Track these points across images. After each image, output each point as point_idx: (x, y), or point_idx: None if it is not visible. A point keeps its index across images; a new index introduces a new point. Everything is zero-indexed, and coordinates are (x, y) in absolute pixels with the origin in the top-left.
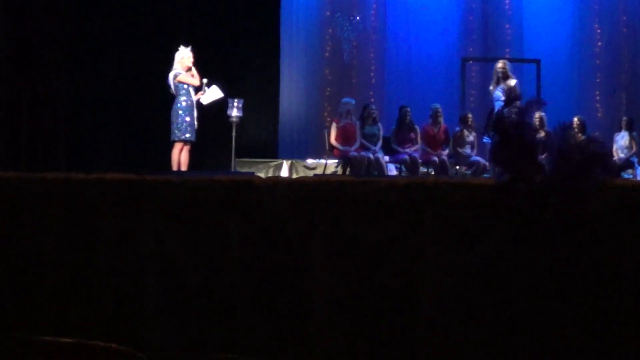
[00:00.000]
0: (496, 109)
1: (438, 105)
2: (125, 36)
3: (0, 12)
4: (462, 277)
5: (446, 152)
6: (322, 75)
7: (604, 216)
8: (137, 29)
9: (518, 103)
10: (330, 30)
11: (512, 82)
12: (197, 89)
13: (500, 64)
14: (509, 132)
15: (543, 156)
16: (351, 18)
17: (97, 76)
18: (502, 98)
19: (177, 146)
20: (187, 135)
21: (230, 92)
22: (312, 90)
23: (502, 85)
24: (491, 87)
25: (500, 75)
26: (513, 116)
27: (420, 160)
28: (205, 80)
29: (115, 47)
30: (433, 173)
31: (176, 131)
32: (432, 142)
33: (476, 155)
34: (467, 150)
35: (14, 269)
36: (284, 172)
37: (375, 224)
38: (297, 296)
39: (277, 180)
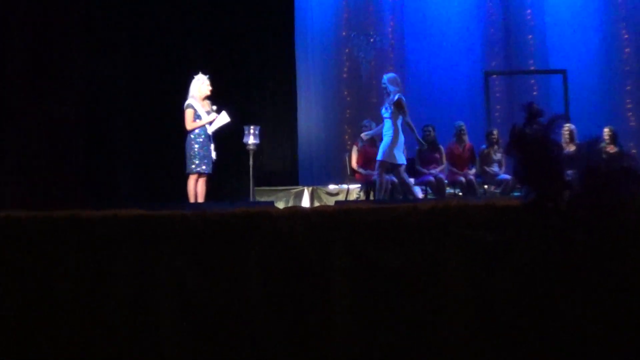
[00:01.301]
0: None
1: (462, 123)
2: (139, 63)
3: (17, 41)
4: (489, 302)
5: (473, 171)
6: (340, 97)
7: (637, 233)
8: (151, 57)
9: (540, 119)
10: (347, 51)
11: None
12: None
13: None
14: (531, 150)
15: (572, 172)
16: (368, 37)
17: (113, 107)
18: None
19: (192, 178)
20: (203, 167)
21: (245, 119)
22: (330, 113)
23: None
24: None
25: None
26: (536, 133)
27: (446, 181)
28: (214, 107)
29: (130, 75)
30: (460, 194)
31: (191, 164)
32: (457, 162)
33: (504, 173)
34: (495, 168)
35: (25, 308)
36: (305, 200)
37: (398, 249)
38: (318, 326)
39: (294, 211)
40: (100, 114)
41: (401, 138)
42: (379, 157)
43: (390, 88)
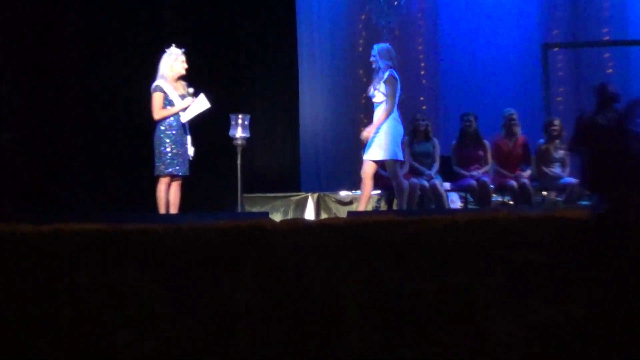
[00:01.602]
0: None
1: (513, 111)
2: (88, 34)
3: None
4: (542, 340)
5: (527, 173)
6: (354, 77)
7: None
8: (106, 25)
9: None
10: (363, 17)
11: None
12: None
13: None
14: (604, 145)
15: None
16: (391, 0)
17: (57, 91)
18: None
19: (163, 182)
20: (177, 168)
21: (232, 106)
22: (342, 98)
23: None
24: None
25: None
26: (610, 123)
27: (492, 186)
28: (190, 90)
29: (78, 49)
30: (511, 202)
31: (160, 164)
32: (507, 161)
33: (569, 175)
34: (556, 169)
35: None
36: (309, 211)
37: (428, 275)
38: None
39: (295, 224)
40: (41, 101)
41: (400, 127)
42: (382, 156)
43: (381, 63)
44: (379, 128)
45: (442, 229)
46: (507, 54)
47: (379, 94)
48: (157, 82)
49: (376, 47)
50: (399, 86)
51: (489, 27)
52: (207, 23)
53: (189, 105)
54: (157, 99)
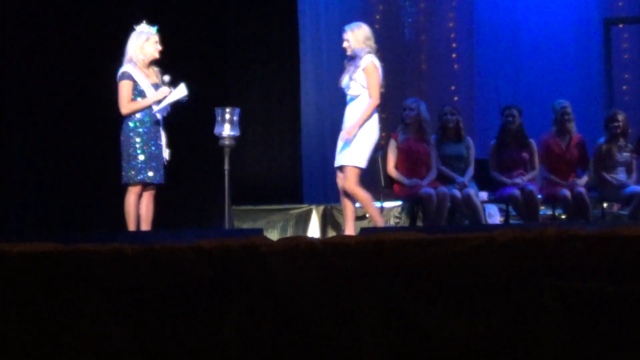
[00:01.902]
0: None
1: (566, 103)
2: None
3: None
4: None
5: (584, 179)
6: None
7: None
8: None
9: None
10: None
11: None
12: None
13: None
14: None
15: None
16: None
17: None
18: None
19: (133, 191)
20: (149, 174)
21: (218, 98)
22: None
23: None
24: None
25: None
26: None
27: (539, 196)
28: (166, 78)
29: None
30: (563, 217)
31: (128, 170)
32: (558, 165)
33: (636, 183)
34: (620, 175)
35: None
36: (313, 227)
37: (461, 306)
38: None
39: (296, 245)
40: None
41: (378, 130)
42: (363, 163)
43: (358, 47)
44: (359, 132)
45: (478, 251)
46: (558, 32)
47: (355, 85)
48: (124, 67)
49: (348, 28)
50: (381, 76)
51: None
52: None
53: (165, 97)
54: (124, 88)
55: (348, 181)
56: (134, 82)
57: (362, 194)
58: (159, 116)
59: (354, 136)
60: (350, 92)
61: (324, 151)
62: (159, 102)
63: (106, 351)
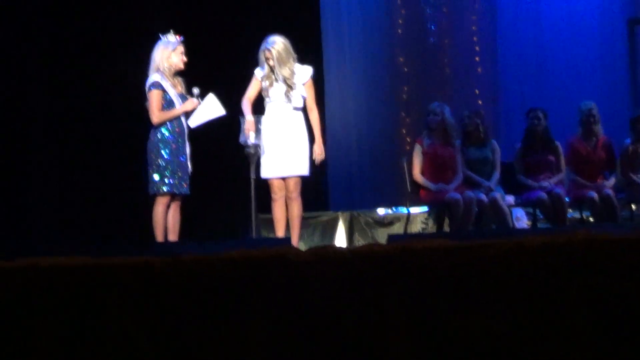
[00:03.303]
0: None
1: (592, 105)
2: (62, 19)
3: None
4: None
5: (612, 182)
6: (393, 66)
7: None
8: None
9: None
10: None
11: None
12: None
13: None
14: None
15: None
16: None
17: (26, 93)
18: None
19: (161, 202)
20: (177, 184)
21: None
22: (378, 93)
23: None
24: None
25: None
26: None
27: (567, 199)
28: (195, 91)
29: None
30: (591, 219)
31: (158, 180)
32: (585, 167)
33: None
34: None
35: None
36: (340, 235)
37: (492, 314)
38: None
39: (325, 254)
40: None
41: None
42: (307, 171)
43: (282, 61)
44: (300, 137)
45: (506, 256)
46: (582, 32)
47: (297, 96)
48: (153, 77)
49: (269, 45)
50: None
51: (559, 0)
52: (208, 6)
53: (194, 108)
54: (155, 97)
55: (297, 190)
56: (164, 91)
57: (299, 203)
58: (193, 127)
59: (295, 145)
60: (293, 104)
61: (350, 158)
62: (187, 113)
63: None
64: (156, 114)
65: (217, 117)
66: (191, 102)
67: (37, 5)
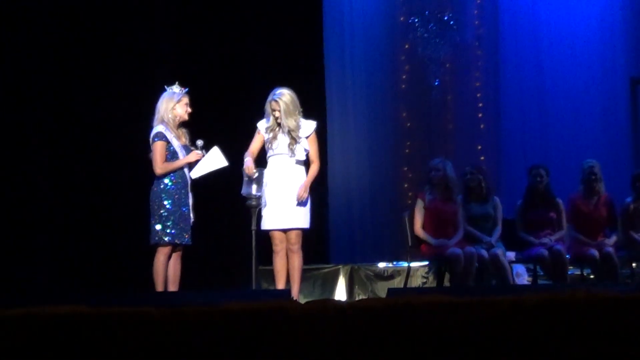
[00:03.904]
0: None
1: (594, 163)
2: (64, 61)
3: None
4: None
5: (613, 239)
6: (396, 121)
7: None
8: (85, 53)
9: None
10: (407, 47)
11: None
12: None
13: None
14: None
15: None
16: (442, 24)
17: (31, 145)
18: None
19: (162, 252)
20: (179, 235)
21: (242, 157)
22: (380, 147)
23: None
24: None
25: None
26: None
27: (568, 256)
28: (200, 143)
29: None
30: (592, 277)
31: (160, 230)
32: (587, 225)
33: None
34: None
35: None
36: (340, 287)
37: None
38: None
39: (325, 307)
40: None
41: None
42: (307, 224)
43: (288, 114)
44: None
45: (506, 313)
46: (585, 90)
47: (300, 150)
48: (158, 128)
49: (276, 97)
50: None
51: (562, 58)
52: (210, 57)
53: (198, 160)
54: (159, 149)
55: (298, 243)
56: (167, 142)
57: (299, 256)
58: (194, 177)
59: (306, 199)
60: (296, 157)
61: (351, 211)
62: (191, 164)
63: None
64: (160, 165)
65: (220, 169)
66: (195, 154)
67: (46, 53)
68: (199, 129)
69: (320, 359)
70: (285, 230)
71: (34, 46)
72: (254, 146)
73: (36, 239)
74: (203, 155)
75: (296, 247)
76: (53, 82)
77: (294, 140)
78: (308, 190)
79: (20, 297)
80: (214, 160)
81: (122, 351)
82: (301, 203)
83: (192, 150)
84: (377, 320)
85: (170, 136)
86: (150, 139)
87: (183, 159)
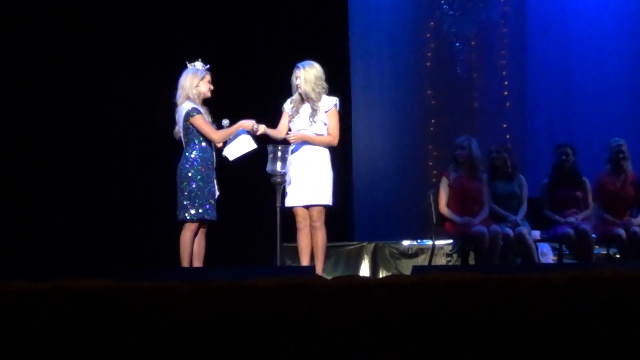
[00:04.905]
0: None
1: (622, 141)
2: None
3: None
4: None
5: (639, 219)
6: (421, 99)
7: None
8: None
9: None
10: (432, 24)
11: None
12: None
13: None
14: None
15: None
16: (466, 4)
17: (60, 124)
18: None
19: (189, 228)
20: (207, 211)
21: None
22: (405, 126)
23: None
24: None
25: None
26: None
27: (594, 236)
28: (225, 122)
29: (83, 73)
30: (618, 256)
31: (188, 206)
32: (613, 204)
33: None
34: None
35: None
36: (364, 265)
37: (513, 349)
38: None
39: (351, 283)
40: (33, 128)
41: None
42: (330, 200)
43: (306, 88)
44: (324, 167)
45: (532, 292)
46: (613, 67)
47: (320, 122)
48: (187, 104)
49: (301, 66)
50: None
51: (589, 36)
52: (237, 37)
53: (243, 129)
54: (202, 122)
55: (320, 220)
56: (203, 115)
57: (323, 232)
58: (231, 159)
59: (319, 177)
60: (315, 130)
61: (376, 189)
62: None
63: None
64: (216, 134)
65: (250, 152)
66: (246, 123)
67: (67, 35)
68: (223, 108)
69: (345, 335)
70: (307, 207)
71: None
72: (281, 124)
73: (66, 216)
74: (254, 127)
75: (318, 224)
76: (76, 56)
77: (314, 111)
78: (299, 138)
79: (49, 272)
80: (244, 141)
81: (148, 325)
82: (322, 180)
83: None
84: (403, 297)
85: (202, 111)
86: (182, 116)
87: (238, 123)
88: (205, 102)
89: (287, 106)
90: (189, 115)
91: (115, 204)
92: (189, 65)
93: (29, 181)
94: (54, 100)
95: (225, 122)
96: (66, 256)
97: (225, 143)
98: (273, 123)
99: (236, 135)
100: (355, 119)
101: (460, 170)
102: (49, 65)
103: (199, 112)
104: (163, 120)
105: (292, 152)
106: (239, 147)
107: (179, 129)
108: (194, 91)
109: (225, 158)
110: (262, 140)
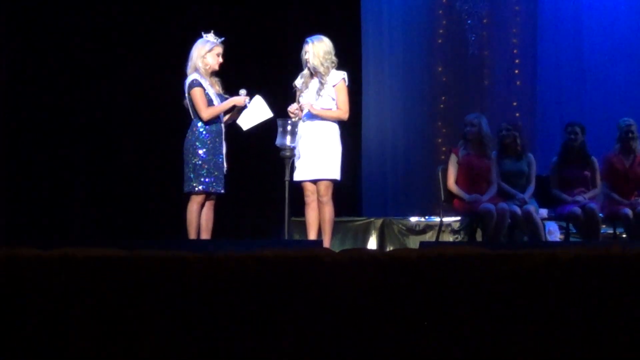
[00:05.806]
0: None
1: (631, 121)
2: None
3: None
4: None
5: None
6: (432, 76)
7: None
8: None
9: None
10: (444, 1)
11: None
12: (229, 109)
13: None
14: None
15: None
16: None
17: (68, 98)
18: None
19: (196, 201)
20: (213, 183)
21: (278, 109)
22: (414, 102)
23: None
24: None
25: None
26: None
27: (601, 215)
28: (243, 92)
29: (95, 47)
30: (624, 235)
31: (195, 179)
32: (621, 184)
33: None
34: None
35: None
36: (372, 240)
37: (522, 327)
38: None
39: (359, 256)
40: (44, 101)
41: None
42: (338, 175)
43: (315, 62)
44: (332, 142)
45: (539, 268)
46: (624, 46)
47: (328, 98)
48: (192, 76)
49: (310, 41)
50: None
51: (601, 16)
52: (247, 9)
53: (235, 107)
54: (198, 95)
55: (327, 194)
56: (204, 89)
57: (331, 207)
58: (223, 126)
59: (327, 151)
60: (322, 104)
61: (385, 165)
62: (227, 112)
63: (166, 356)
64: (205, 110)
65: (265, 120)
66: (232, 101)
67: (84, 10)
68: (236, 81)
69: (353, 307)
70: (315, 181)
71: None
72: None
73: (74, 187)
74: (247, 102)
75: (326, 199)
76: (91, 31)
77: (322, 85)
78: (309, 109)
79: (57, 240)
80: (259, 110)
81: (157, 294)
82: (330, 154)
83: (226, 99)
84: (410, 270)
85: (205, 84)
86: (186, 87)
87: (229, 100)
88: (218, 74)
89: (298, 81)
90: (189, 87)
91: (125, 176)
92: (203, 35)
93: (39, 153)
94: (65, 74)
95: (243, 91)
96: (74, 227)
97: (239, 112)
98: (286, 98)
99: (250, 104)
100: (366, 94)
101: (470, 148)
102: (63, 43)
103: (199, 85)
104: (174, 91)
105: (302, 125)
106: (254, 115)
107: (186, 101)
108: (200, 62)
109: (240, 127)
110: (273, 114)
